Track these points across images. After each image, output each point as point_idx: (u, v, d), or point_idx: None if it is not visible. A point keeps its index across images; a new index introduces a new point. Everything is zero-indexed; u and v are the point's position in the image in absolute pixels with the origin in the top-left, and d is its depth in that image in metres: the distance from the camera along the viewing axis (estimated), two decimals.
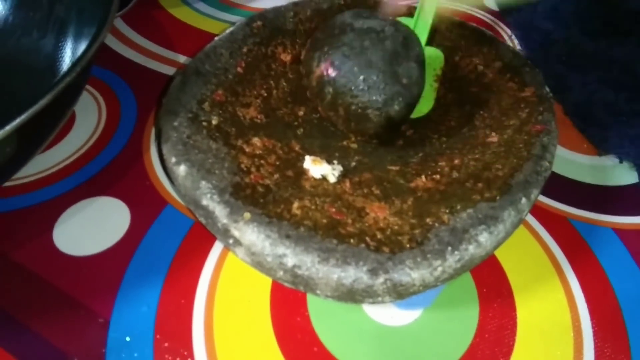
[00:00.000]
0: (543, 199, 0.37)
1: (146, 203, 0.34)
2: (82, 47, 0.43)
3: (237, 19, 0.53)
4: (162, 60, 0.47)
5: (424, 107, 0.39)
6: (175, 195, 0.35)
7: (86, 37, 0.43)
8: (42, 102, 0.27)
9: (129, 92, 0.43)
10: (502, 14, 0.55)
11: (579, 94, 0.45)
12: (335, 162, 0.34)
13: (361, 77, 0.33)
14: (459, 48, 0.43)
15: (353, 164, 0.34)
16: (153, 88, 0.44)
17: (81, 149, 0.38)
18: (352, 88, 0.33)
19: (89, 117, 0.41)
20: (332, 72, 0.34)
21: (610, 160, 0.40)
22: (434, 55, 0.42)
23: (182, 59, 0.47)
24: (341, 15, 0.35)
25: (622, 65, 0.47)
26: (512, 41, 0.52)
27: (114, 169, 0.37)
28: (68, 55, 0.44)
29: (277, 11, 0.42)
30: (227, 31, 0.40)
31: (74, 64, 0.29)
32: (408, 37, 0.34)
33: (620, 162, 0.40)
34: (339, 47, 0.34)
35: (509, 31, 0.53)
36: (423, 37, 0.43)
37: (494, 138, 0.34)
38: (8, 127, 0.26)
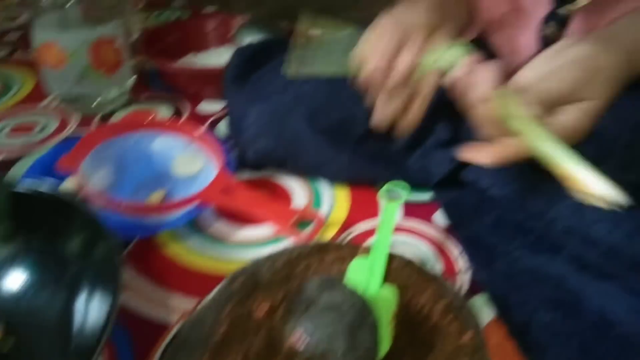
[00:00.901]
0: None
1: None
2: (94, 302, 0.50)
3: (223, 252, 0.61)
4: (157, 304, 0.55)
5: (380, 349, 0.46)
6: None
7: (98, 293, 0.50)
8: None
9: (125, 338, 0.50)
10: (452, 229, 0.63)
11: (519, 315, 0.52)
12: None
13: (326, 348, 0.39)
14: (408, 288, 0.50)
15: None
16: (148, 335, 0.50)
17: None
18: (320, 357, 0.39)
19: None
20: (301, 343, 0.40)
21: None
22: (389, 295, 0.50)
23: (176, 301, 0.55)
24: (308, 286, 0.43)
25: (557, 281, 0.54)
26: (460, 260, 0.60)
27: None
28: (80, 311, 0.51)
29: (254, 266, 0.50)
30: (210, 295, 0.47)
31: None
32: (364, 308, 0.42)
33: None
34: (306, 321, 0.41)
35: (457, 250, 0.61)
36: (378, 278, 0.51)
37: None
38: None
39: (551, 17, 0.57)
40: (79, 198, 0.58)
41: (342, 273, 0.53)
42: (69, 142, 0.71)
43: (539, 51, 0.59)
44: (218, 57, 0.98)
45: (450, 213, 0.63)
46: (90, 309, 0.49)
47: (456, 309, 0.47)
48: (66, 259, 0.53)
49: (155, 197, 0.67)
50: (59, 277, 0.53)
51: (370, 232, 0.64)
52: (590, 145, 0.59)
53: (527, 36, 0.61)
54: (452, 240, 0.62)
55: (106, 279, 0.49)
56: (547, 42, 0.59)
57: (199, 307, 0.48)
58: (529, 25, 0.60)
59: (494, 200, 0.60)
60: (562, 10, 0.56)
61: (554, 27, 0.57)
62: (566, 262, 0.54)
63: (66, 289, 0.52)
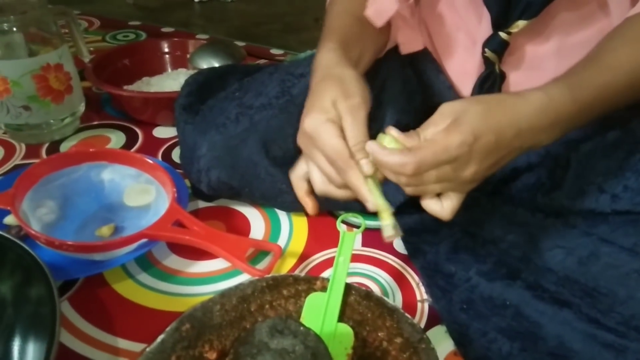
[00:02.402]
0: None
1: None
2: (30, 349, 0.47)
3: (176, 287, 0.59)
4: (104, 348, 0.52)
5: None
6: None
7: (33, 340, 0.47)
8: None
9: None
10: (411, 258, 0.62)
11: (478, 346, 0.51)
12: None
13: None
14: (366, 322, 0.49)
15: None
16: None
17: None
18: None
19: None
20: None
21: None
22: (345, 332, 0.48)
23: (122, 343, 0.52)
24: (259, 330, 0.41)
25: (515, 309, 0.54)
26: (420, 289, 0.59)
27: None
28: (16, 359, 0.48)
29: (204, 307, 0.48)
30: (158, 340, 0.45)
31: None
32: (317, 351, 0.40)
33: None
34: None
35: (417, 278, 0.60)
36: (335, 313, 0.49)
37: None
38: None
39: (492, 40, 0.57)
40: (18, 236, 0.55)
41: (298, 309, 0.51)
42: (14, 174, 0.67)
43: (482, 73, 0.60)
44: (173, 81, 0.96)
45: (407, 241, 0.62)
46: (26, 357, 0.47)
47: (414, 345, 0.46)
48: (1, 303, 0.49)
49: (105, 230, 0.64)
50: None
51: (329, 262, 0.62)
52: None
53: (473, 61, 0.61)
54: (413, 268, 0.61)
55: (43, 324, 0.46)
56: (488, 64, 0.59)
57: (147, 350, 0.45)
58: (476, 51, 0.60)
59: (452, 225, 0.60)
60: (502, 34, 0.56)
61: (495, 50, 0.58)
62: (523, 290, 0.54)
63: (1, 335, 0.49)
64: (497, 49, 0.58)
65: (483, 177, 0.47)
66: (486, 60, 0.59)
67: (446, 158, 0.44)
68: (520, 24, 0.55)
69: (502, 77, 0.60)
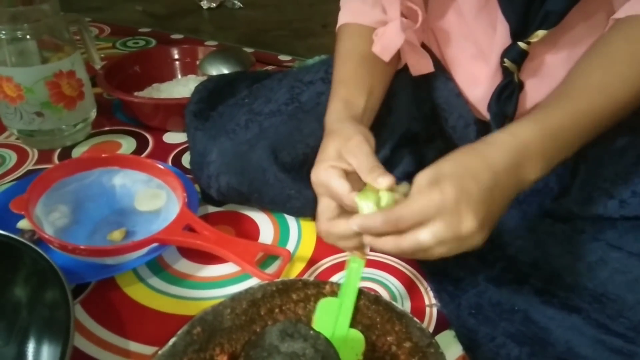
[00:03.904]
0: None
1: None
2: (44, 352, 0.48)
3: (186, 291, 0.60)
4: (116, 351, 0.52)
5: None
6: None
7: (47, 343, 0.48)
8: None
9: None
10: (419, 264, 0.63)
11: (487, 350, 0.51)
12: None
13: None
14: (375, 326, 0.49)
15: None
16: None
17: None
18: None
19: None
20: None
21: None
22: (356, 337, 0.49)
23: (133, 346, 0.53)
24: (269, 333, 0.42)
25: (523, 315, 0.54)
26: (428, 294, 0.59)
27: None
28: None
29: (215, 311, 0.49)
30: (170, 343, 0.45)
31: None
32: (326, 357, 0.41)
33: None
34: None
35: (425, 283, 0.61)
36: (347, 319, 0.50)
37: None
38: None
39: (511, 50, 0.58)
40: (32, 240, 0.55)
41: (308, 312, 0.52)
42: (27, 179, 0.68)
43: (501, 82, 0.60)
44: (183, 87, 0.97)
45: None
46: (40, 359, 0.47)
47: (423, 349, 0.46)
48: (16, 306, 0.50)
49: (116, 234, 0.65)
50: (9, 326, 0.51)
51: (337, 267, 0.63)
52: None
53: (487, 69, 0.62)
54: (421, 273, 0.62)
55: (57, 327, 0.47)
56: (507, 73, 0.60)
57: (159, 353, 0.46)
58: (488, 59, 0.61)
59: None
60: (522, 44, 0.57)
61: (515, 59, 0.58)
62: (531, 295, 0.54)
63: (16, 338, 0.49)
64: (516, 59, 0.58)
65: (490, 225, 0.45)
66: (505, 70, 0.59)
67: (430, 213, 0.43)
68: (540, 33, 0.55)
69: (521, 86, 0.60)
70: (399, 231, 0.44)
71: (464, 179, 0.44)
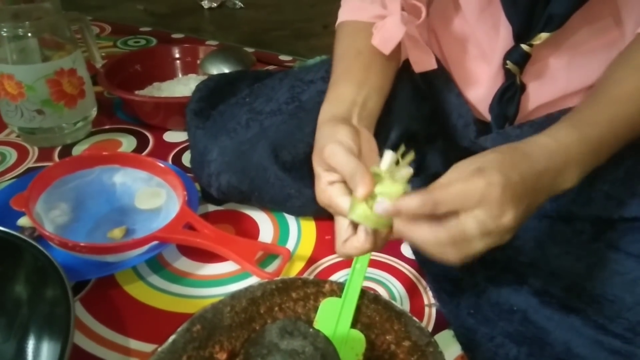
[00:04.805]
0: None
1: None
2: (44, 349, 0.48)
3: (186, 289, 0.60)
4: (115, 348, 0.52)
5: None
6: None
7: (47, 339, 0.48)
8: None
9: None
10: (419, 263, 0.63)
11: (485, 350, 0.51)
12: None
13: None
14: (374, 325, 0.49)
15: None
16: None
17: None
18: None
19: None
20: None
21: None
22: (357, 338, 0.49)
23: (132, 344, 0.53)
24: (269, 331, 0.42)
25: (522, 315, 0.54)
26: (427, 293, 0.59)
27: None
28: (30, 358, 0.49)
29: (215, 309, 0.49)
30: (169, 340, 0.45)
31: None
32: (326, 354, 0.41)
33: None
34: None
35: (424, 283, 0.61)
36: (349, 319, 0.50)
37: None
38: None
39: (514, 52, 0.58)
40: (32, 238, 0.56)
41: (307, 311, 0.52)
42: (28, 176, 0.68)
43: (503, 84, 0.61)
44: (184, 86, 0.97)
45: (415, 248, 0.63)
46: (40, 356, 0.47)
47: (422, 348, 0.46)
48: (16, 302, 0.50)
49: (116, 232, 0.65)
50: (10, 322, 0.51)
51: (337, 266, 0.63)
52: None
53: (488, 70, 0.62)
54: (420, 272, 0.62)
55: (57, 324, 0.47)
56: (509, 75, 0.60)
57: (159, 350, 0.46)
58: (490, 60, 0.61)
59: None
60: (525, 46, 0.57)
61: (517, 61, 0.58)
62: (530, 295, 0.55)
63: (16, 334, 0.49)
64: (519, 61, 0.58)
65: (519, 225, 0.43)
66: (507, 71, 0.59)
67: (473, 199, 0.40)
68: (543, 36, 0.55)
69: (523, 88, 0.60)
70: (435, 216, 0.41)
71: (511, 172, 0.41)
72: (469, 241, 0.41)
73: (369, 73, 0.58)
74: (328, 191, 0.48)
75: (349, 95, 0.55)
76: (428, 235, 0.41)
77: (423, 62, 0.63)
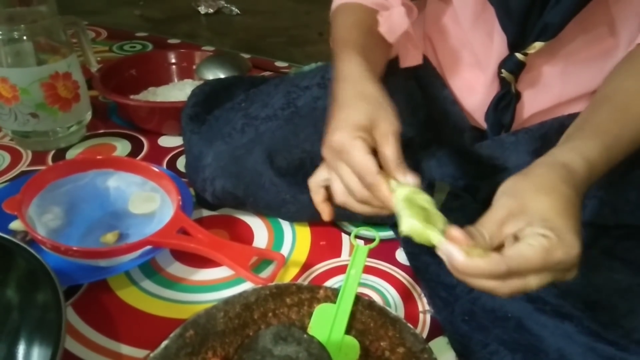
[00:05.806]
0: None
1: None
2: (34, 354, 0.48)
3: (179, 295, 0.59)
4: (107, 354, 0.52)
5: None
6: None
7: (38, 346, 0.48)
8: None
9: None
10: (413, 270, 0.62)
11: (480, 357, 0.51)
12: None
13: None
14: (368, 331, 0.49)
15: None
16: None
17: None
18: None
19: None
20: None
21: None
22: (351, 344, 0.49)
23: (125, 350, 0.52)
24: (263, 337, 0.42)
25: (517, 322, 0.54)
26: (422, 300, 0.59)
27: None
28: None
29: (208, 314, 0.48)
30: (162, 345, 0.45)
31: None
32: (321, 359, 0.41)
33: None
34: None
35: (419, 289, 0.61)
36: (343, 325, 0.50)
37: None
38: None
39: (508, 60, 0.58)
40: (24, 241, 0.55)
41: (301, 317, 0.51)
42: (21, 180, 0.68)
43: (498, 92, 0.61)
44: (179, 91, 0.97)
45: (409, 252, 0.63)
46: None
47: (417, 355, 0.46)
48: (7, 307, 0.50)
49: (109, 237, 0.65)
50: (0, 327, 0.50)
51: (331, 272, 0.63)
52: None
53: (483, 78, 0.62)
54: (415, 279, 0.62)
55: (48, 329, 0.47)
56: (504, 84, 0.60)
57: (151, 356, 0.45)
58: (485, 68, 0.61)
59: None
60: (519, 55, 0.57)
61: (512, 70, 0.59)
62: (524, 302, 0.54)
63: (6, 339, 0.49)
64: (513, 70, 0.59)
65: None
66: (502, 80, 0.60)
67: (550, 267, 0.39)
68: (538, 45, 0.56)
69: (518, 96, 0.61)
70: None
71: (578, 231, 0.40)
72: (525, 290, 0.41)
73: (378, 53, 0.59)
74: (359, 143, 0.45)
75: (372, 65, 0.53)
76: (487, 286, 0.41)
77: (410, 57, 0.65)
